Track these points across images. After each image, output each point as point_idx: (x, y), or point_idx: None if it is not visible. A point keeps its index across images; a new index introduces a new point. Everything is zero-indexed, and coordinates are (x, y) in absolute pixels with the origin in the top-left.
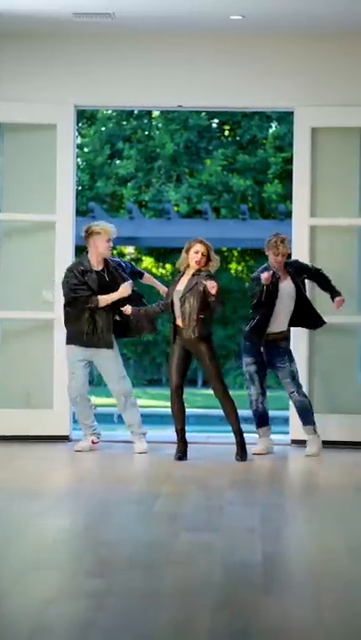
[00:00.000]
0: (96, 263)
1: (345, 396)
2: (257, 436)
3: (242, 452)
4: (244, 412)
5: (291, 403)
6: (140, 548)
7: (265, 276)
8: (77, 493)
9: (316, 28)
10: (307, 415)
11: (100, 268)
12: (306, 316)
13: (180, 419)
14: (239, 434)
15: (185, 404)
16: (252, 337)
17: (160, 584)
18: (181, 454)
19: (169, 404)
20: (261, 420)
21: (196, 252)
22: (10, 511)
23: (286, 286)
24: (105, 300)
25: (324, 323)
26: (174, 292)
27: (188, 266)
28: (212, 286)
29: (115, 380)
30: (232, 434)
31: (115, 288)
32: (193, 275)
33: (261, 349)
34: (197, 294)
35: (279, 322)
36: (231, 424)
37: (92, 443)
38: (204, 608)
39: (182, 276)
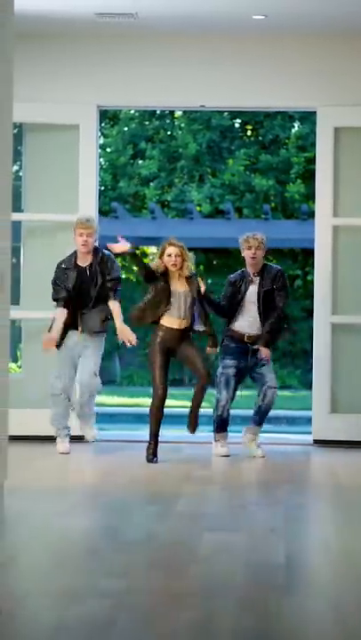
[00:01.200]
0: (80, 259)
1: None
2: (215, 440)
3: (194, 425)
4: (242, 412)
5: (261, 397)
6: (162, 548)
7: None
8: (99, 493)
9: (338, 28)
10: (264, 418)
11: (85, 263)
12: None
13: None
14: (197, 409)
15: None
16: (235, 346)
17: (181, 584)
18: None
19: (189, 403)
20: (224, 425)
21: (170, 256)
22: (32, 511)
23: (253, 290)
24: (52, 330)
25: (277, 338)
26: (174, 294)
27: (166, 270)
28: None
29: (89, 373)
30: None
31: (97, 283)
32: (186, 278)
33: (249, 354)
34: (191, 299)
35: (251, 324)
36: (194, 399)
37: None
38: (226, 608)
39: (167, 276)
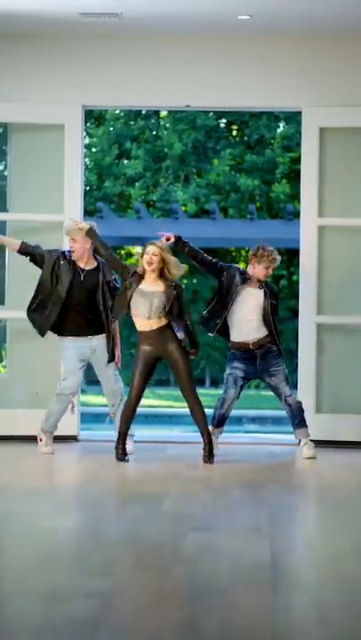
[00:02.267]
0: (80, 262)
1: (353, 396)
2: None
3: (210, 455)
4: (255, 412)
5: (286, 407)
6: (147, 548)
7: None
8: (84, 493)
9: (324, 29)
10: (303, 416)
11: (86, 267)
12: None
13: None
14: (208, 435)
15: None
16: (243, 352)
17: (167, 584)
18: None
19: (177, 404)
20: (222, 421)
21: (147, 254)
22: (17, 511)
23: (257, 293)
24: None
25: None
26: (139, 291)
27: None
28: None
29: (111, 379)
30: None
31: (89, 290)
32: (161, 277)
33: (258, 360)
34: (164, 299)
35: (253, 330)
36: (199, 425)
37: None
38: (211, 608)
39: (143, 278)
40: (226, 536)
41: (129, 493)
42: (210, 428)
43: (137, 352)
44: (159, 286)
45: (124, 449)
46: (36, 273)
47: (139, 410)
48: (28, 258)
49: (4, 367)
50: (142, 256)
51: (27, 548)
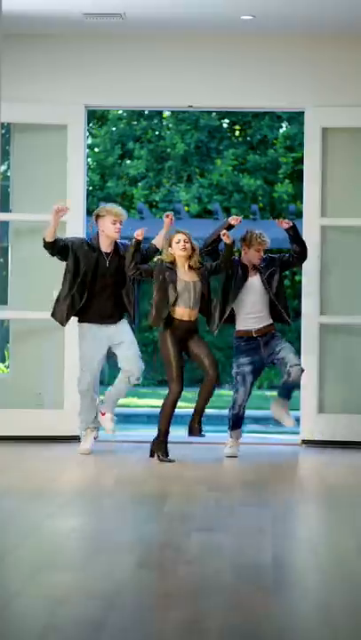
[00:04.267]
0: (105, 246)
1: (356, 397)
2: (229, 437)
3: (199, 428)
4: (257, 413)
5: (286, 375)
6: (151, 549)
7: (235, 220)
8: (88, 494)
9: (327, 29)
10: (293, 390)
11: (108, 250)
12: (275, 310)
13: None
14: (202, 410)
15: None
16: (246, 342)
17: (170, 584)
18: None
19: (180, 404)
20: (238, 422)
21: (178, 242)
22: (22, 512)
23: (255, 281)
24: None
25: (289, 324)
26: (180, 282)
27: (175, 259)
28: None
29: (134, 356)
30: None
31: (114, 274)
32: (190, 267)
33: (261, 346)
34: (200, 287)
35: (256, 319)
36: (201, 399)
37: (94, 439)
38: (214, 608)
39: (176, 266)
40: (229, 536)
41: (132, 494)
42: (228, 432)
43: (164, 342)
44: (192, 275)
45: (166, 449)
46: (39, 272)
47: (140, 410)
48: (51, 252)
49: (7, 367)
50: (170, 245)
51: (29, 550)
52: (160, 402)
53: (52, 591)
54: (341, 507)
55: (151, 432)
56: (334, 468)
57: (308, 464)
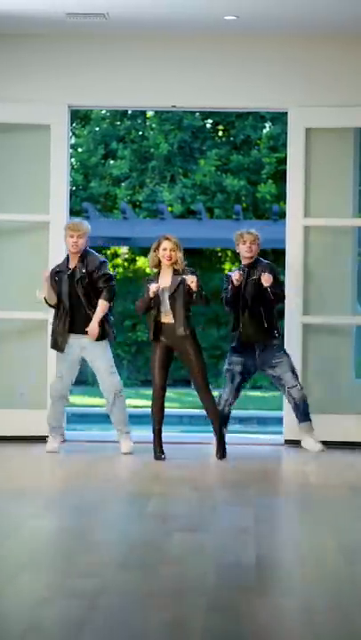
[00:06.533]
0: (73, 262)
1: (339, 397)
2: (236, 435)
3: (222, 451)
4: (240, 413)
5: (289, 399)
6: (133, 549)
7: (235, 276)
8: (70, 494)
9: (310, 29)
10: (307, 409)
11: (73, 265)
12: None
13: (159, 418)
14: (219, 432)
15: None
16: (240, 345)
17: (153, 584)
18: (161, 453)
19: (169, 404)
20: (224, 420)
21: (165, 250)
22: (3, 511)
23: (249, 283)
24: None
25: (275, 337)
26: (162, 290)
27: (160, 264)
28: (191, 280)
29: (104, 374)
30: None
31: (83, 287)
32: (175, 272)
33: (256, 353)
34: (184, 292)
35: (252, 322)
36: (212, 422)
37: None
38: (197, 609)
39: (159, 274)
40: (212, 536)
41: (115, 493)
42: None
43: (152, 347)
44: (176, 278)
45: (160, 447)
46: (22, 272)
47: (134, 410)
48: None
49: None
50: (156, 249)
51: (12, 549)
52: (143, 402)
53: (35, 591)
54: (323, 506)
55: (135, 432)
56: (317, 467)
57: (290, 464)
